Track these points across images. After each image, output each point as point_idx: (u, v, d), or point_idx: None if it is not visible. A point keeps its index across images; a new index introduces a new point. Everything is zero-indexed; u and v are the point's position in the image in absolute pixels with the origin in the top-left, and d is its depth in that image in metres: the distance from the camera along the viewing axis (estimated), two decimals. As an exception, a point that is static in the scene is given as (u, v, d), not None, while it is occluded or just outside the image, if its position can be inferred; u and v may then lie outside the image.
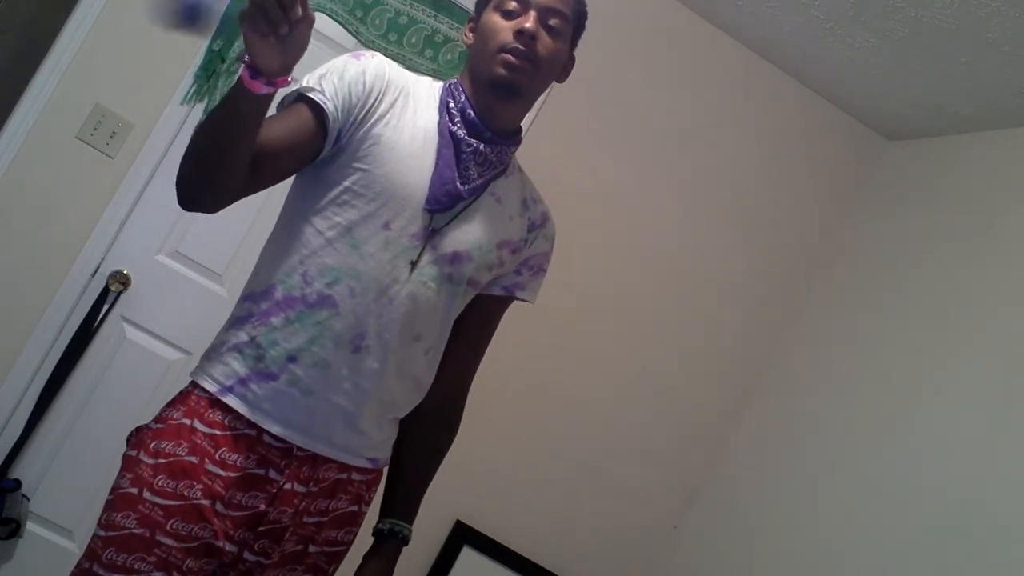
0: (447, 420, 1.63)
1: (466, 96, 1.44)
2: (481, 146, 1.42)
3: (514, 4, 1.42)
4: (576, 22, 1.51)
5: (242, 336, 1.40)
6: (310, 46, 2.80)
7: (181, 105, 2.57)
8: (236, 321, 1.44)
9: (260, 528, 1.39)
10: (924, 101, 2.61)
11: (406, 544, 1.56)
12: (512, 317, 2.76)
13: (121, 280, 2.58)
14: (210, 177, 1.27)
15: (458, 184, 1.40)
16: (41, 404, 2.52)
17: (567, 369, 2.82)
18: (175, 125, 2.58)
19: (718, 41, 2.87)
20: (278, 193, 2.66)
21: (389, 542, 1.54)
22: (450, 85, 1.47)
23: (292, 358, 1.37)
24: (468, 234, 1.44)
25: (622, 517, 2.86)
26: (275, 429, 1.37)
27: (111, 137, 2.55)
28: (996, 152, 2.52)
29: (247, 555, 1.39)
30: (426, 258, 1.40)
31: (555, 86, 1.56)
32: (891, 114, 2.80)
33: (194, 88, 2.55)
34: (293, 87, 1.34)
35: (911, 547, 2.11)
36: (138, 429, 1.45)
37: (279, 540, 1.40)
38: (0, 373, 2.53)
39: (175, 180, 1.29)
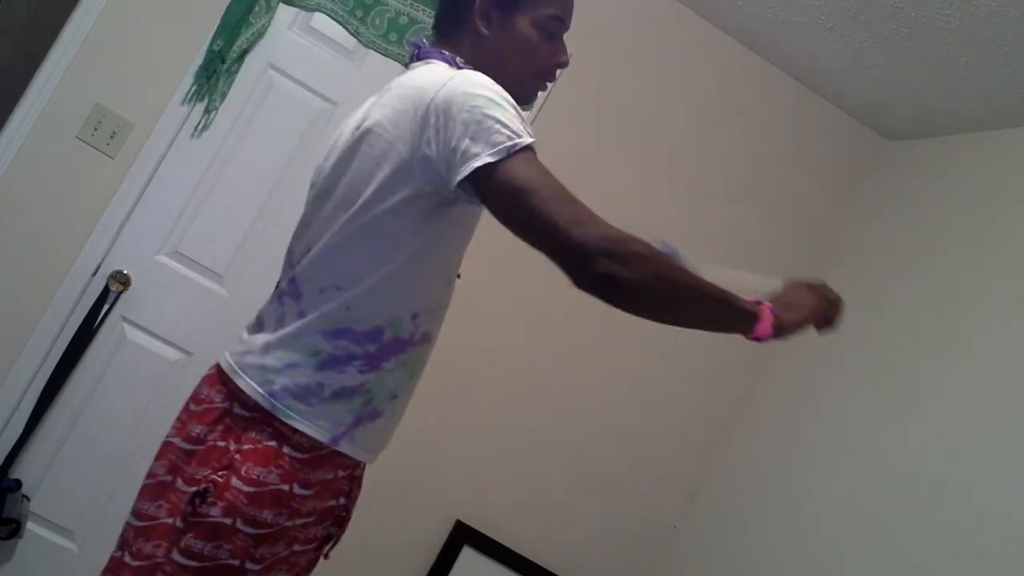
0: None
1: None
2: None
3: (556, 26, 1.42)
4: None
5: (346, 381, 1.32)
6: (309, 46, 2.80)
7: (181, 105, 2.57)
8: (332, 360, 1.32)
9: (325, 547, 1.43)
10: (924, 101, 2.61)
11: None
12: (511, 318, 2.77)
13: (121, 280, 2.58)
14: (658, 318, 1.25)
15: None
16: (41, 404, 2.53)
17: (567, 369, 2.82)
18: (175, 125, 2.58)
19: (717, 41, 2.87)
20: (280, 195, 2.68)
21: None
22: None
23: (395, 395, 1.39)
24: None
25: (622, 517, 2.86)
26: (368, 459, 1.40)
27: (111, 137, 2.55)
28: (996, 152, 2.52)
29: None
30: None
31: (558, 87, 1.57)
32: (891, 114, 2.80)
33: (194, 88, 2.56)
34: (519, 140, 1.21)
35: (911, 547, 2.11)
36: (214, 483, 1.28)
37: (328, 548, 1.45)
38: (0, 373, 2.53)
39: (631, 279, 1.14)
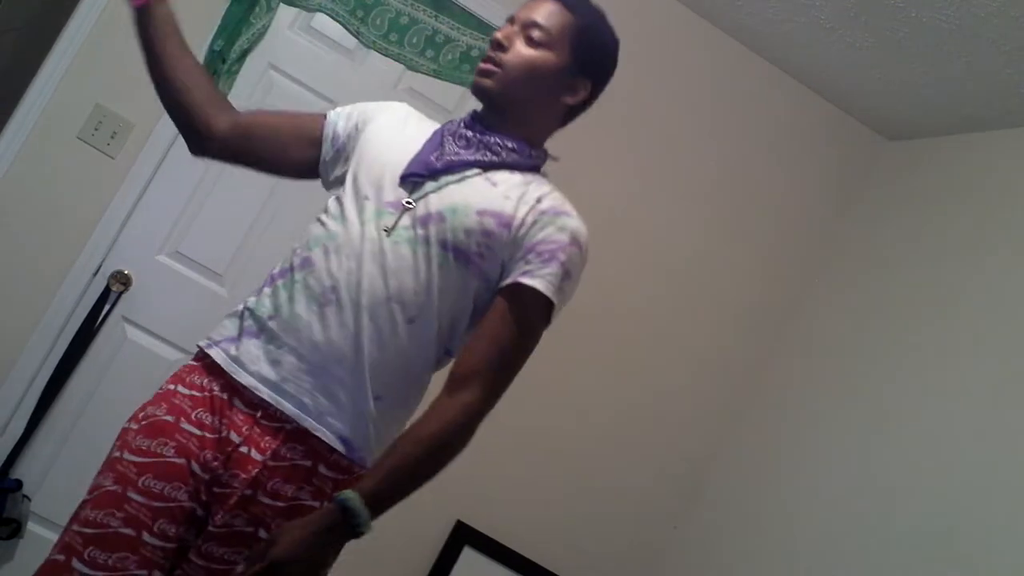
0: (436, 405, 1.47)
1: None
2: (461, 128, 1.50)
3: (506, 24, 1.54)
4: (578, 38, 1.51)
5: (239, 308, 1.50)
6: (314, 48, 2.83)
7: (181, 105, 2.57)
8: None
9: (215, 490, 1.40)
10: (924, 101, 2.61)
11: (347, 513, 1.30)
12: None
13: (122, 280, 2.58)
14: (163, 101, 1.62)
15: (432, 157, 1.47)
16: (42, 404, 2.52)
17: (567, 369, 2.82)
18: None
19: (718, 41, 2.87)
20: (279, 196, 2.68)
21: (327, 511, 1.33)
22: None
23: (272, 316, 1.44)
24: (444, 200, 1.44)
25: (622, 517, 2.86)
26: (246, 380, 1.41)
27: (112, 137, 2.55)
28: (996, 152, 2.52)
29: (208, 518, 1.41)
30: (402, 223, 1.43)
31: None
32: (891, 114, 2.81)
33: (194, 88, 2.55)
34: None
35: (910, 547, 2.11)
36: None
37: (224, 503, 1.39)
38: (1, 373, 2.53)
39: None
